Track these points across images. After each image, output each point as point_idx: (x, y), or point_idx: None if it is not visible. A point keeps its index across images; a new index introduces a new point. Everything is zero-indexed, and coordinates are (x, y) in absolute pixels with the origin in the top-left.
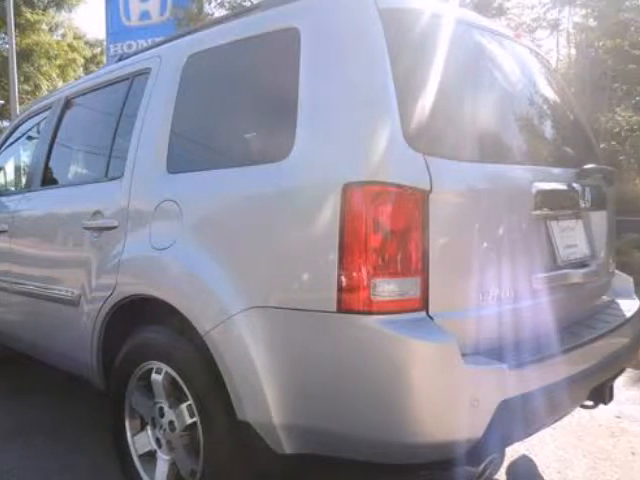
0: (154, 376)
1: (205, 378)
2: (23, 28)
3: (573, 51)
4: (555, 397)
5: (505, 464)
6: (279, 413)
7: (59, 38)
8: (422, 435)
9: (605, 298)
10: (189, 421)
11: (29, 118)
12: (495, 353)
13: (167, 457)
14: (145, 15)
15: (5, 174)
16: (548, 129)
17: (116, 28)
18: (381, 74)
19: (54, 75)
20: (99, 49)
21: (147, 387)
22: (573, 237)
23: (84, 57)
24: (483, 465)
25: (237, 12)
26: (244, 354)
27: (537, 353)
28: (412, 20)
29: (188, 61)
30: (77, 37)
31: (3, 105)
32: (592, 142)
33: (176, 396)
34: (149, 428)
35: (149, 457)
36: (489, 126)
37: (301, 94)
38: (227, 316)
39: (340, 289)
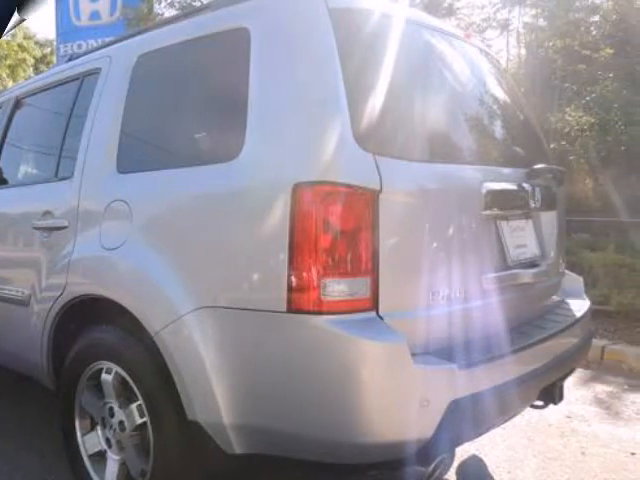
0: (104, 376)
1: (155, 378)
2: None
3: (523, 51)
4: (505, 397)
5: (455, 464)
6: (229, 413)
7: (9, 38)
8: (372, 435)
9: (555, 298)
10: (139, 421)
11: None
12: (445, 353)
13: (117, 457)
14: (95, 15)
15: None
16: (498, 129)
17: (66, 28)
18: (331, 74)
19: (4, 75)
20: (49, 49)
21: (97, 387)
22: (523, 237)
23: (34, 57)
24: (433, 465)
25: (187, 12)
26: (194, 354)
27: (487, 353)
28: (362, 20)
29: (138, 61)
30: (27, 37)
31: None
32: (542, 142)
33: (126, 396)
34: (99, 428)
35: (99, 457)
36: (439, 126)
37: (251, 94)
38: (177, 316)
39: (290, 289)
